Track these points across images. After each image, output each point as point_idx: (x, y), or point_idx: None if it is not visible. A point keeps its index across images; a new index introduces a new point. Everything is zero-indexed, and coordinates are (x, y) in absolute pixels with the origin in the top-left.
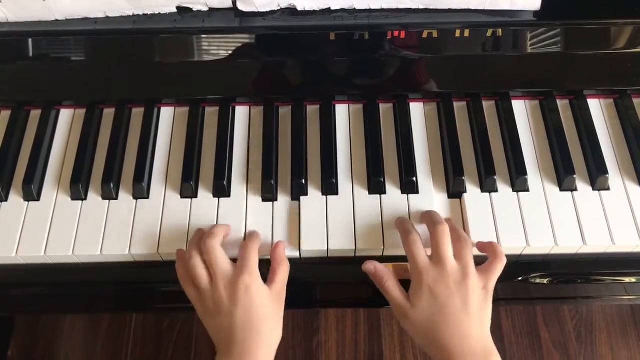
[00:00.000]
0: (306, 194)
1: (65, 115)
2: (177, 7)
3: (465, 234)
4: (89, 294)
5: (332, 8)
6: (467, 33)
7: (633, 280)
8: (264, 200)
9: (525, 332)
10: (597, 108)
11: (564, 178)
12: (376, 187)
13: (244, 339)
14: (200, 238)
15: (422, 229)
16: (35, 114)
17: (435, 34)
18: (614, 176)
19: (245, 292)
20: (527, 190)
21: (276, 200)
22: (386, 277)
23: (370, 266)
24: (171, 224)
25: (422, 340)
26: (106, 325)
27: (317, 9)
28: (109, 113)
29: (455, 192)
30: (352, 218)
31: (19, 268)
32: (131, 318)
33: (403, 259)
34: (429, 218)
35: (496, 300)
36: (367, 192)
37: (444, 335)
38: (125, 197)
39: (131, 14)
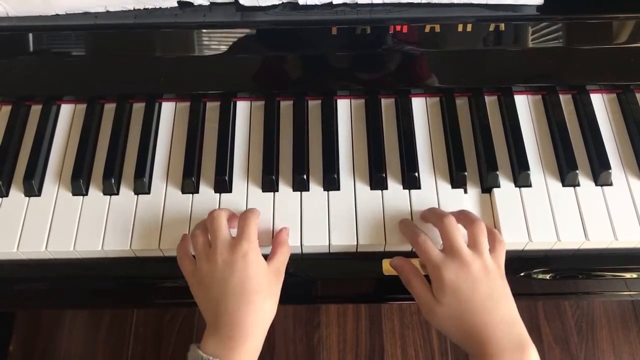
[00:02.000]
0: (307, 190)
1: (66, 111)
2: (178, 2)
3: (478, 219)
4: (90, 289)
5: (334, 2)
6: (469, 28)
7: (634, 275)
8: None
9: (527, 327)
10: (599, 103)
11: (566, 173)
12: (378, 182)
13: (235, 308)
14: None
15: (425, 227)
16: (35, 109)
17: (437, 29)
18: (617, 171)
19: (242, 258)
20: (530, 186)
21: (277, 195)
22: (413, 273)
23: (397, 262)
24: (172, 220)
25: (454, 335)
26: (107, 321)
27: (318, 3)
28: (109, 108)
29: (457, 187)
30: (354, 213)
31: (20, 263)
32: (132, 314)
33: (405, 254)
34: (431, 213)
35: None
36: (369, 188)
37: (476, 326)
38: (126, 192)
39: (132, 8)
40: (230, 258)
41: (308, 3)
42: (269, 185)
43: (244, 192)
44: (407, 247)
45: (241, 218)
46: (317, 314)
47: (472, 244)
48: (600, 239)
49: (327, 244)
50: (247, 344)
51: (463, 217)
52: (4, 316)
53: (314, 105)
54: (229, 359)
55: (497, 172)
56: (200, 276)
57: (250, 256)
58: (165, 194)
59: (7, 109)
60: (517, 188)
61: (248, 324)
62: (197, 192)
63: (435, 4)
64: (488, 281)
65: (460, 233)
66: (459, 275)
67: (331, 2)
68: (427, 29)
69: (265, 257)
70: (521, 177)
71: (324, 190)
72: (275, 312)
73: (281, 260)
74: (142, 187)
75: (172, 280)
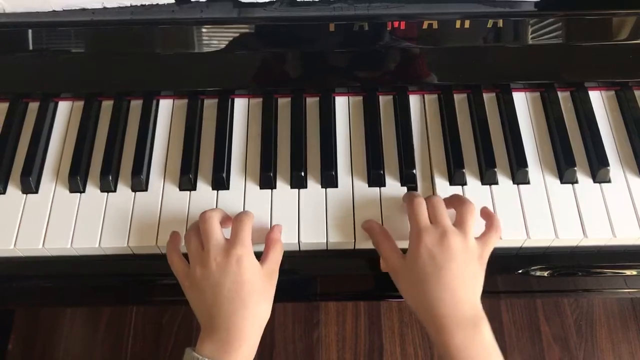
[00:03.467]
0: (305, 187)
1: (64, 108)
2: None
3: (469, 200)
4: (89, 286)
5: None
6: (467, 24)
7: (634, 273)
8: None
9: (526, 326)
10: (598, 100)
11: (564, 170)
12: (376, 179)
13: (230, 312)
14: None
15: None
16: (33, 106)
17: (435, 25)
18: (615, 168)
19: (236, 263)
20: (528, 183)
21: (275, 192)
22: (382, 234)
23: (368, 223)
24: (170, 217)
25: (412, 300)
26: (106, 319)
27: None
28: (107, 105)
29: (456, 184)
30: (352, 211)
31: (17, 260)
32: (131, 312)
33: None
34: (425, 197)
35: (496, 293)
36: (367, 185)
37: (435, 298)
38: (123, 189)
39: (129, 5)
40: (224, 262)
41: None
42: (267, 182)
43: (242, 189)
44: (405, 245)
45: (236, 220)
46: (316, 312)
47: (458, 222)
48: (598, 236)
49: (325, 241)
50: (243, 348)
51: (456, 199)
52: (2, 314)
53: (312, 103)
54: None
55: (495, 169)
56: (193, 280)
57: (244, 260)
58: (162, 191)
59: (4, 106)
60: (515, 185)
61: (244, 328)
62: (195, 189)
63: None
64: (463, 260)
65: (446, 211)
66: (437, 245)
67: None
68: (425, 25)
69: (258, 254)
70: (519, 174)
71: (322, 187)
72: (270, 314)
73: (275, 261)
74: (139, 184)
75: (170, 278)
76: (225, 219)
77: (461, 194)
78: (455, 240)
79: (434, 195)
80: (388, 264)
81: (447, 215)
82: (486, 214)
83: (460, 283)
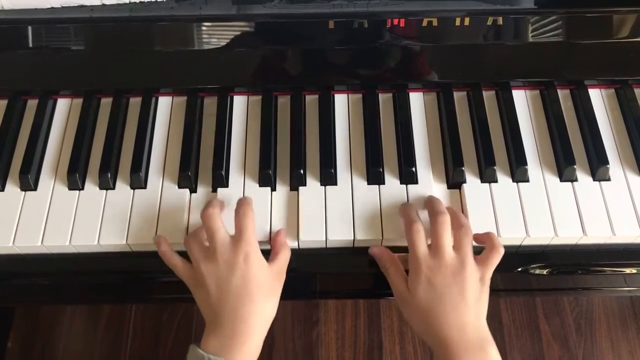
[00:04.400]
0: (305, 184)
1: (63, 105)
2: None
3: (467, 222)
4: (88, 284)
5: None
6: (467, 21)
7: (633, 271)
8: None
9: (525, 325)
10: (598, 98)
11: (564, 168)
12: (375, 177)
13: (237, 306)
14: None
15: (424, 215)
16: (32, 104)
17: (435, 22)
18: (615, 167)
19: (244, 260)
20: (527, 181)
21: (274, 190)
22: (390, 261)
23: (376, 250)
24: (169, 214)
25: (419, 327)
26: (106, 317)
27: None
28: (106, 102)
29: (454, 182)
30: (351, 208)
31: (16, 258)
32: (131, 310)
33: (403, 249)
34: (431, 206)
35: (496, 291)
36: (366, 183)
37: (441, 324)
38: (122, 187)
39: (127, 2)
40: (232, 259)
41: None
42: (266, 179)
43: (241, 187)
44: (404, 242)
45: (239, 215)
46: (315, 310)
47: (457, 247)
48: (598, 234)
49: (324, 239)
50: (248, 344)
51: (454, 219)
52: (2, 312)
53: (311, 100)
54: (231, 359)
55: (495, 167)
56: (199, 277)
57: (251, 257)
58: (161, 189)
59: (2, 103)
60: (515, 183)
61: (250, 324)
62: (194, 187)
63: None
64: (463, 285)
65: (449, 235)
66: (436, 273)
67: None
68: (425, 23)
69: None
70: (519, 172)
71: (321, 185)
72: (275, 314)
73: (283, 262)
74: (138, 181)
75: (170, 275)
76: (223, 209)
77: (459, 192)
78: (454, 266)
79: (439, 213)
80: (394, 290)
81: (448, 239)
82: (485, 237)
83: (463, 307)
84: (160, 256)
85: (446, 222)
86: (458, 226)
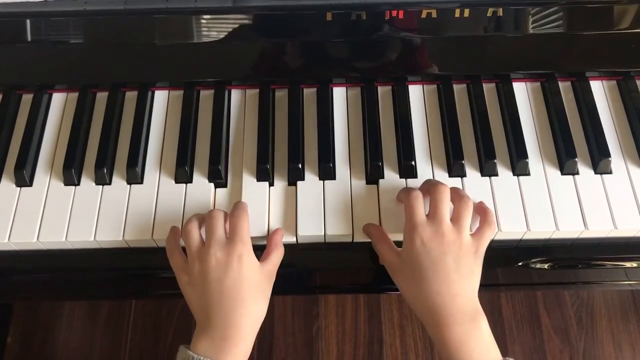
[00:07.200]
0: (303, 179)
1: (58, 99)
2: None
3: (467, 196)
4: (86, 280)
5: None
6: (466, 13)
7: (634, 265)
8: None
9: (526, 318)
10: (599, 90)
11: (565, 161)
12: (374, 171)
13: (229, 309)
14: (203, 216)
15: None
16: (27, 98)
17: (434, 14)
18: (617, 159)
19: (237, 260)
20: (528, 174)
21: (272, 185)
22: (382, 236)
23: (369, 227)
24: (165, 210)
25: (410, 295)
26: (105, 312)
27: None
28: (102, 97)
29: (455, 176)
30: (350, 203)
31: (13, 254)
32: (130, 306)
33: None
34: (429, 181)
35: (497, 285)
36: (365, 177)
37: (433, 291)
38: (118, 182)
39: None
40: (225, 259)
41: None
42: (264, 174)
43: (239, 182)
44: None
45: (233, 217)
46: (315, 304)
47: (455, 218)
48: (599, 228)
49: (323, 233)
50: (239, 346)
51: (454, 192)
52: (1, 308)
53: (309, 93)
54: None
55: (495, 161)
56: (192, 275)
57: (245, 258)
58: (158, 184)
59: None
60: (516, 176)
61: (242, 326)
62: (191, 181)
63: None
64: (458, 255)
65: (447, 205)
66: (432, 240)
67: None
68: (424, 14)
69: (255, 250)
70: (519, 166)
71: (320, 179)
72: (265, 314)
73: (274, 263)
74: (134, 176)
75: (168, 271)
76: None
77: (460, 186)
78: (451, 235)
79: (438, 184)
80: (385, 262)
81: (447, 209)
82: (481, 209)
83: (457, 277)
84: (165, 243)
85: (445, 192)
86: (458, 198)
